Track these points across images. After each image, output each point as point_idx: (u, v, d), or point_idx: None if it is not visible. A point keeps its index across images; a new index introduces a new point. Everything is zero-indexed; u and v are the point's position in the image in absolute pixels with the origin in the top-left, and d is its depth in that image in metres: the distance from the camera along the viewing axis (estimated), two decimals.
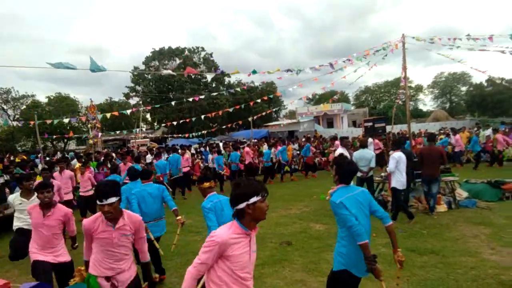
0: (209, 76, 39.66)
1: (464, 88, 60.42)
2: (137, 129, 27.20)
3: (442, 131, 21.61)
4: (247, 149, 15.79)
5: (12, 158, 17.63)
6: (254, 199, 2.34)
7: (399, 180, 7.62)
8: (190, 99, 19.47)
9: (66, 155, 18.14)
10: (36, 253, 4.28)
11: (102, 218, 3.15)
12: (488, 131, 17.12)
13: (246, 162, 15.05)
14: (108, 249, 3.17)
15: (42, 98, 45.34)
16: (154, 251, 5.16)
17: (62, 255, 4.41)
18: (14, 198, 5.56)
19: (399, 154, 7.70)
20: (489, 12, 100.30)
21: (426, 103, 70.21)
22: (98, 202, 3.04)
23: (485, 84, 50.30)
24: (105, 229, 3.15)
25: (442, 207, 8.35)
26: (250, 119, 21.49)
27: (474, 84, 55.17)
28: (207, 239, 2.33)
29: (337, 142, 17.70)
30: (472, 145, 15.81)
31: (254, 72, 10.07)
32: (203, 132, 27.16)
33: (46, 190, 4.28)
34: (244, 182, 2.43)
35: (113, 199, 3.02)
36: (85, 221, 3.22)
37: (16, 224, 5.52)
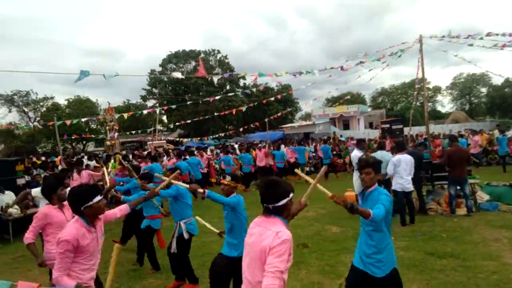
0: (215, 79, 40.19)
1: (484, 89, 59.14)
2: (153, 129, 27.52)
3: (460, 133, 21.20)
4: (257, 151, 15.89)
5: (34, 159, 18.01)
6: (291, 195, 2.47)
7: (398, 183, 7.73)
8: (206, 99, 19.65)
9: (81, 158, 18.26)
10: None
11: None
12: (510, 133, 16.71)
13: (261, 164, 15.09)
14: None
15: (61, 101, 46.46)
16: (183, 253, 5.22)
17: None
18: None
19: (398, 157, 7.74)
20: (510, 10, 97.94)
21: (445, 104, 69.12)
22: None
23: (505, 84, 49.14)
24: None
25: (462, 210, 8.19)
26: (266, 120, 21.53)
27: (494, 85, 53.93)
28: (278, 242, 2.22)
29: (351, 142, 17.67)
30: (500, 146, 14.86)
31: (261, 74, 10.07)
32: (220, 134, 27.34)
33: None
34: (279, 180, 2.50)
35: None
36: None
37: None
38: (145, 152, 18.75)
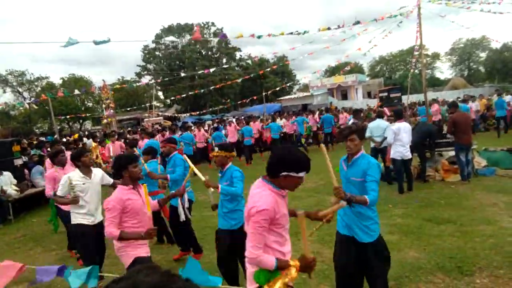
0: (215, 40, 39.31)
1: (483, 54, 58.35)
2: (149, 104, 27.27)
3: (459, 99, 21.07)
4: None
5: (33, 140, 18.08)
6: None
7: (397, 151, 7.69)
8: (201, 71, 19.45)
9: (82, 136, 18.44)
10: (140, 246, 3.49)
11: None
12: (508, 97, 16.58)
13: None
14: None
15: (56, 80, 45.95)
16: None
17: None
18: (74, 177, 4.43)
19: (398, 125, 7.70)
20: None
21: (444, 71, 68.32)
22: None
23: (505, 48, 48.48)
24: None
25: (457, 176, 8.22)
26: (263, 94, 21.36)
27: (495, 49, 53.11)
28: None
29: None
30: (499, 109, 14.53)
31: (259, 37, 9.72)
32: (216, 108, 27.20)
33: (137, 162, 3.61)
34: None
35: None
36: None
37: (81, 217, 4.45)
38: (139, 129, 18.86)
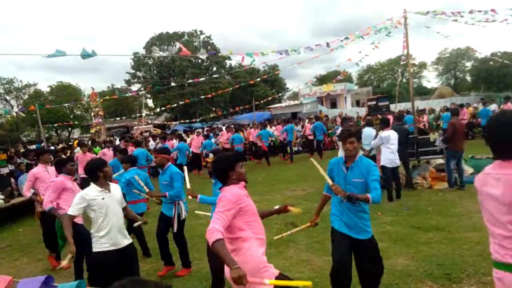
0: (204, 56, 39.44)
1: (468, 64, 59.54)
2: (139, 115, 27.10)
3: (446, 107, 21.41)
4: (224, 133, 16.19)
5: (19, 148, 17.79)
6: None
7: (387, 158, 7.76)
8: (191, 81, 19.44)
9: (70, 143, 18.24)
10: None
11: None
12: (493, 106, 16.89)
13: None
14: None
15: (44, 87, 45.46)
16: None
17: None
18: (90, 192, 3.71)
19: (387, 133, 7.77)
20: None
21: (431, 80, 69.38)
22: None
23: (490, 57, 49.54)
24: None
25: (445, 184, 8.32)
26: (255, 103, 21.45)
27: (480, 58, 54.19)
28: None
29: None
30: (484, 118, 14.69)
31: (249, 54, 9.76)
32: (206, 116, 27.21)
33: None
34: None
35: None
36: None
37: (101, 242, 3.67)
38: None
